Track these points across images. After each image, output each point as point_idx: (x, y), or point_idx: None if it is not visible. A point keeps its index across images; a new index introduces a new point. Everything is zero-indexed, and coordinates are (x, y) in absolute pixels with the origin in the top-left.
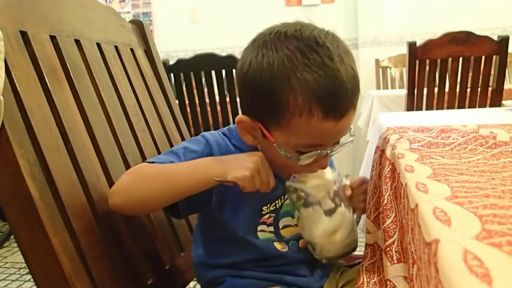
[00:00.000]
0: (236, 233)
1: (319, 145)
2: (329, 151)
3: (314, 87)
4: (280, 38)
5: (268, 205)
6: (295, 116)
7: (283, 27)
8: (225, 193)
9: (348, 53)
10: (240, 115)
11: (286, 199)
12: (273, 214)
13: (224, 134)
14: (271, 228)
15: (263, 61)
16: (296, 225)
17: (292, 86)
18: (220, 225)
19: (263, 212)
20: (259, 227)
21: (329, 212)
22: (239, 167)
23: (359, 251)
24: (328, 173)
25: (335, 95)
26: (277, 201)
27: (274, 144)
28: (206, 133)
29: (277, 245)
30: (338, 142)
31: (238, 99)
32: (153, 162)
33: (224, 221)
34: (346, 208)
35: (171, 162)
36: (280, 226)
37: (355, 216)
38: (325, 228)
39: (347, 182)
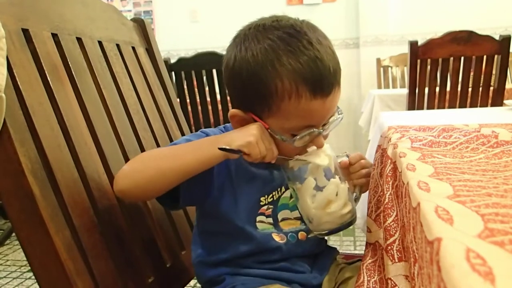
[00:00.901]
0: (235, 224)
1: (311, 125)
2: (321, 130)
3: (298, 70)
4: (259, 30)
5: (266, 196)
6: (284, 100)
7: (260, 21)
8: (224, 184)
9: (325, 37)
10: (233, 110)
11: (284, 191)
12: (271, 206)
13: (221, 131)
14: (270, 220)
15: (247, 53)
16: (295, 218)
17: (278, 71)
18: (219, 219)
19: (261, 203)
20: (258, 218)
21: (324, 187)
22: (243, 136)
23: (360, 250)
24: (328, 149)
25: (319, 75)
26: (274, 193)
27: (269, 130)
28: (205, 129)
29: (276, 237)
30: (328, 122)
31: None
32: None
33: (223, 213)
34: (341, 180)
35: None
36: (279, 219)
37: (355, 193)
38: (319, 198)
39: (344, 158)
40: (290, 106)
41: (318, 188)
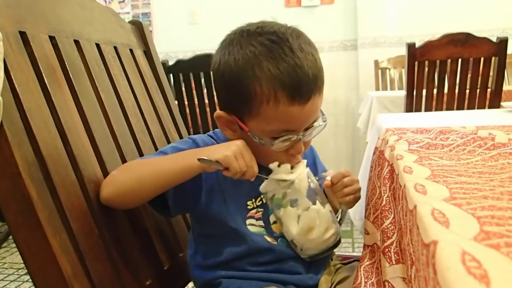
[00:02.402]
0: (228, 225)
1: (291, 130)
2: (301, 136)
3: (276, 75)
4: (243, 35)
5: (254, 200)
6: (263, 104)
7: (246, 26)
8: (213, 188)
9: (309, 43)
10: (218, 111)
11: (273, 195)
12: (261, 209)
13: (210, 136)
14: (261, 223)
15: (229, 58)
16: None
17: (257, 76)
18: (212, 222)
19: (249, 207)
20: (248, 221)
21: (304, 210)
22: (222, 150)
23: (358, 252)
24: (301, 165)
25: (298, 81)
26: (262, 196)
27: (249, 133)
28: (193, 136)
29: (267, 238)
30: (310, 127)
31: None
32: None
33: (214, 215)
34: (322, 205)
35: None
36: (271, 221)
37: (339, 212)
38: (300, 226)
39: (328, 177)
40: (269, 110)
41: (295, 203)
